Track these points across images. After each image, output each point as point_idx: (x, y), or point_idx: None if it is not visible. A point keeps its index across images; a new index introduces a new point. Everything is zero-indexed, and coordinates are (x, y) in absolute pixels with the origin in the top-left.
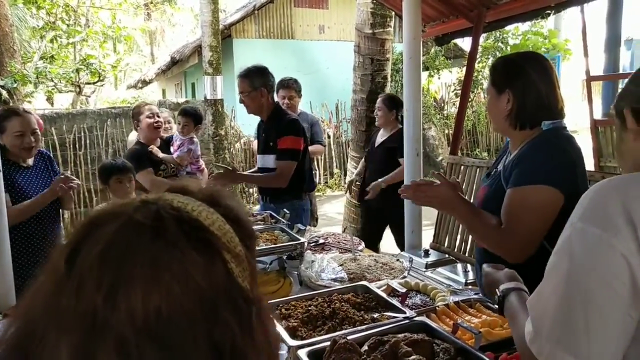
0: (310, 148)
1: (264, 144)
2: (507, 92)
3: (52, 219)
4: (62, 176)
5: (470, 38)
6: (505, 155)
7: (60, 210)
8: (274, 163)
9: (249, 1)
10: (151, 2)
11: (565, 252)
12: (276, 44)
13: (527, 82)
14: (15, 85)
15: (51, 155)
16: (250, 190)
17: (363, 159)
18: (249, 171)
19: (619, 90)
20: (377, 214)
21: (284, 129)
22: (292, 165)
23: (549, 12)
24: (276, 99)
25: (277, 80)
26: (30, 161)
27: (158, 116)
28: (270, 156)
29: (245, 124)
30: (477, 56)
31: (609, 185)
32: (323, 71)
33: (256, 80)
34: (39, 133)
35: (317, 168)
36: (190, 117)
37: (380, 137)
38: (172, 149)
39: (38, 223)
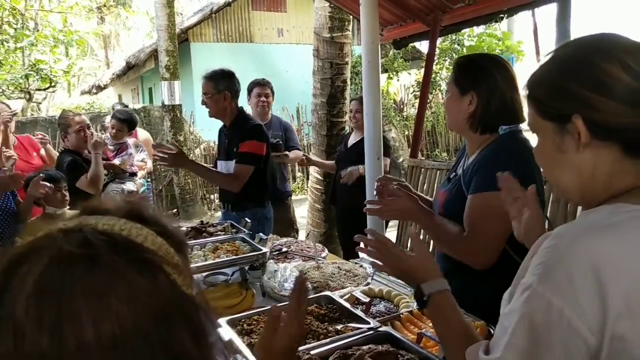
0: (290, 155)
1: (226, 150)
2: (470, 94)
3: (6, 234)
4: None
5: (427, 41)
6: (464, 159)
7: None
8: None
9: (206, 4)
10: (104, 6)
11: (524, 320)
12: (235, 47)
13: (493, 86)
14: None
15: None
16: (212, 197)
17: (334, 162)
18: None
19: (552, 89)
20: (353, 216)
21: (246, 133)
22: (249, 170)
23: (502, 15)
24: (249, 99)
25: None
26: None
27: (88, 127)
28: (231, 162)
29: (205, 128)
30: (434, 58)
31: (574, 239)
32: (283, 74)
33: (220, 83)
34: None
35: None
36: (125, 122)
37: (354, 138)
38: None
39: None
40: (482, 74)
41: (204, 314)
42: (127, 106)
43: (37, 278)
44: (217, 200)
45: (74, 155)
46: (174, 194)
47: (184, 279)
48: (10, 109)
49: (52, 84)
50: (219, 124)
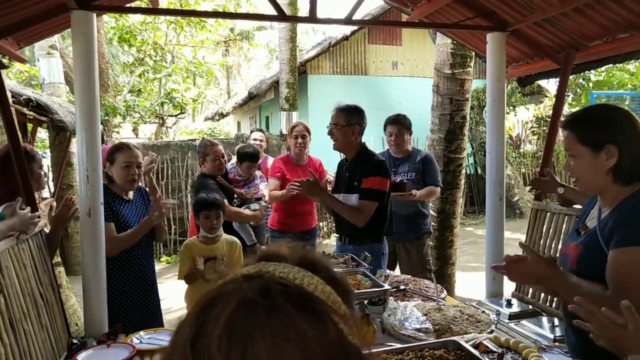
0: (418, 194)
1: (347, 183)
2: (606, 147)
3: (145, 251)
4: (155, 202)
5: (554, 79)
6: (596, 211)
7: (153, 242)
8: (357, 202)
9: (324, 38)
10: (231, 39)
11: None
12: (349, 79)
13: (629, 133)
14: (107, 117)
15: (147, 191)
16: (320, 224)
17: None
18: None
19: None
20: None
21: (370, 169)
22: (373, 205)
23: None
24: (384, 135)
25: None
26: (131, 195)
27: (223, 157)
28: (352, 195)
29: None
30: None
31: None
32: (395, 107)
33: (353, 117)
34: (142, 168)
35: None
36: (255, 160)
37: (402, 166)
38: (230, 178)
39: (133, 255)
40: (613, 124)
41: None
42: (261, 130)
43: (227, 319)
44: (325, 228)
45: (210, 179)
46: None
47: (350, 328)
48: (150, 155)
49: (182, 111)
50: (330, 153)
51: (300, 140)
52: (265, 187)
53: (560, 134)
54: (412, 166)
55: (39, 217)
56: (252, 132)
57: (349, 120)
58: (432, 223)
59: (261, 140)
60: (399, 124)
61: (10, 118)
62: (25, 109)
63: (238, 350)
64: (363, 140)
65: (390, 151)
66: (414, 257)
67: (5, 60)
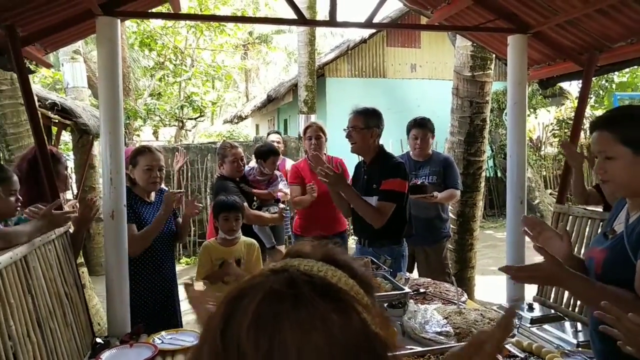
0: (439, 196)
1: (366, 186)
2: None
3: (167, 253)
4: (167, 196)
5: (576, 80)
6: (624, 215)
7: (175, 244)
8: (376, 203)
9: (342, 41)
10: (250, 43)
11: None
12: (368, 82)
13: None
14: (128, 121)
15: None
16: None
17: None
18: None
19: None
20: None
21: (389, 171)
22: (391, 207)
23: None
24: (408, 139)
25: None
26: (153, 197)
27: (242, 159)
28: (371, 198)
29: None
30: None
31: None
32: (414, 109)
33: (371, 119)
34: (164, 171)
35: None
36: (278, 153)
37: (423, 169)
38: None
39: (154, 256)
40: None
41: (390, 351)
42: (278, 132)
43: (255, 309)
44: None
45: (229, 182)
46: None
47: (373, 318)
48: (178, 156)
49: (202, 114)
50: (348, 156)
51: (314, 141)
52: (285, 186)
53: (583, 137)
54: (433, 169)
55: (70, 213)
56: (269, 134)
57: (367, 123)
58: (452, 226)
59: (278, 142)
60: (424, 128)
61: (37, 121)
62: (50, 112)
63: (266, 339)
64: (381, 142)
65: (410, 154)
66: (432, 261)
67: (32, 66)
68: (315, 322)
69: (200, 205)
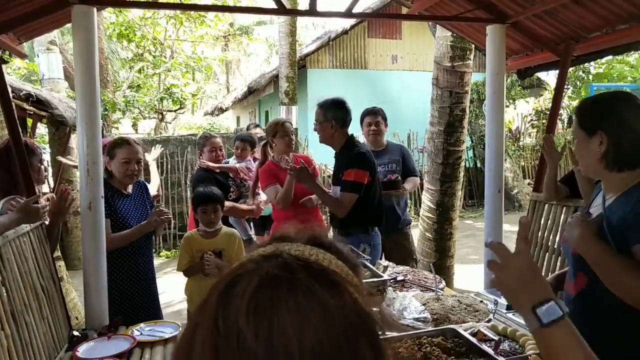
0: (407, 187)
1: (335, 176)
2: (598, 134)
3: (145, 246)
4: (157, 210)
5: (554, 71)
6: (600, 199)
7: (153, 236)
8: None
9: (324, 32)
10: (230, 34)
11: None
12: (349, 73)
13: (621, 121)
14: (106, 112)
15: (147, 185)
16: None
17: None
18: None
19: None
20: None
21: (349, 161)
22: (352, 197)
23: None
24: (362, 128)
25: (356, 112)
26: (130, 189)
27: (220, 149)
28: (337, 187)
29: (318, 152)
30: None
31: None
32: (395, 101)
33: (329, 112)
34: (142, 163)
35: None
36: (247, 142)
37: (381, 158)
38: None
39: (132, 249)
40: (606, 111)
41: (381, 329)
42: (258, 125)
43: (251, 295)
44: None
45: (204, 172)
46: None
47: (363, 298)
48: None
49: (182, 106)
50: (329, 148)
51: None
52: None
53: (559, 126)
54: (393, 158)
55: (45, 206)
56: (248, 127)
57: (325, 116)
58: (431, 215)
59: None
60: (377, 114)
61: (11, 113)
62: (25, 104)
63: (265, 324)
64: (353, 133)
65: (366, 143)
66: (399, 248)
67: (5, 56)
68: (313, 305)
69: (169, 213)
